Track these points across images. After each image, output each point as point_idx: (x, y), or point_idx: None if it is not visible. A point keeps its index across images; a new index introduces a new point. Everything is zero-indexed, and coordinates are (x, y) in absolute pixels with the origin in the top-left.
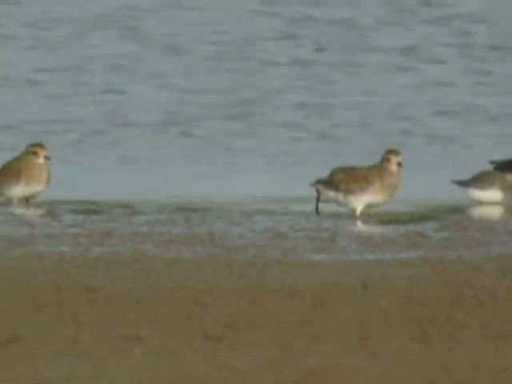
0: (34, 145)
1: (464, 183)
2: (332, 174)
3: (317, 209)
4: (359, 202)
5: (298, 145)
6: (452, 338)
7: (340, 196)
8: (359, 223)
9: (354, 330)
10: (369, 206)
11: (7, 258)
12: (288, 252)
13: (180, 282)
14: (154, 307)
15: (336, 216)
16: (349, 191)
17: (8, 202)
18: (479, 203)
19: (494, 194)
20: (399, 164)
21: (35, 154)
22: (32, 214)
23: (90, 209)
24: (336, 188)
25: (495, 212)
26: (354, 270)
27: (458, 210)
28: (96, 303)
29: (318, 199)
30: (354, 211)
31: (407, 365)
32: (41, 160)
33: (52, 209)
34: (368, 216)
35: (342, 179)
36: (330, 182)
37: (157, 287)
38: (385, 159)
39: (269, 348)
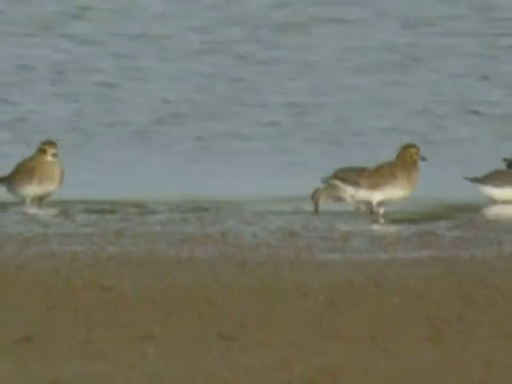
0: (44, 143)
1: (478, 180)
2: (342, 172)
3: (316, 209)
4: (381, 197)
5: (310, 145)
6: (465, 337)
7: (361, 191)
8: (373, 220)
9: (366, 329)
10: (392, 201)
11: (21, 257)
12: (301, 251)
13: (193, 281)
14: (167, 307)
15: (349, 215)
16: (373, 186)
17: (21, 202)
18: (492, 201)
19: (508, 192)
20: (423, 158)
21: (44, 152)
22: (45, 213)
23: (104, 208)
24: (356, 183)
25: (508, 210)
26: (367, 269)
27: (471, 209)
28: (109, 303)
29: (316, 208)
30: (370, 207)
31: (420, 364)
32: (48, 158)
33: (65, 208)
34: (380, 215)
35: (366, 174)
36: (345, 179)
37: (170, 286)
38: (402, 154)
39: (282, 347)
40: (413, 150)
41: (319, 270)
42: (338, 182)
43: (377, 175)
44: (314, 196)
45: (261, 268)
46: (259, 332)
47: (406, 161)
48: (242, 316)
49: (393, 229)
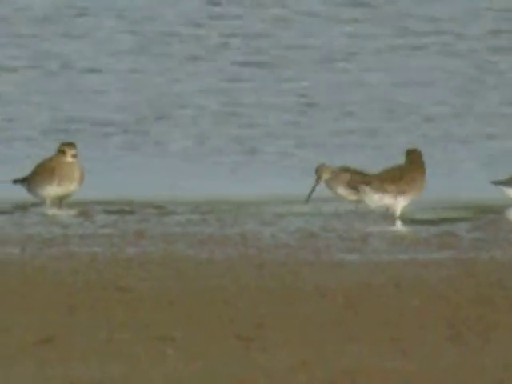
0: (64, 143)
1: (504, 183)
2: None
3: (310, 196)
4: (406, 202)
5: (329, 145)
6: (484, 338)
7: (389, 197)
8: (395, 223)
9: (386, 330)
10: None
11: (40, 258)
12: (320, 252)
13: (212, 282)
14: (186, 308)
15: (368, 216)
16: (400, 192)
17: (41, 203)
18: None
19: None
20: None
21: (64, 152)
22: (65, 214)
23: (123, 209)
24: (383, 190)
25: None
26: (386, 270)
27: (491, 211)
28: (129, 303)
29: (314, 188)
30: (394, 212)
31: (439, 365)
32: (68, 159)
33: (85, 209)
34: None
35: (390, 180)
36: (370, 184)
37: (189, 287)
38: (415, 158)
39: (301, 348)
40: (419, 153)
41: (338, 270)
42: (364, 188)
43: (402, 182)
44: (318, 170)
45: (280, 269)
46: (278, 333)
47: (420, 164)
48: (261, 317)
49: (412, 230)
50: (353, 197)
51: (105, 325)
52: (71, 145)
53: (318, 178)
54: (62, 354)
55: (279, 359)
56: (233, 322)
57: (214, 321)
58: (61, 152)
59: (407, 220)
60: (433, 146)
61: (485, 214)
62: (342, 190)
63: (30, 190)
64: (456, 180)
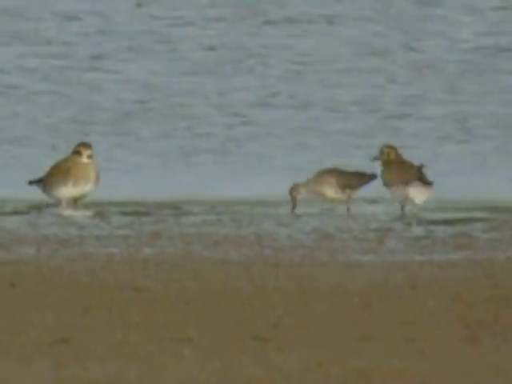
0: (79, 144)
1: None
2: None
3: (294, 206)
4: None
5: (341, 147)
6: (500, 339)
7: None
8: (408, 222)
9: (401, 330)
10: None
11: (56, 259)
12: (336, 253)
13: (228, 282)
14: (202, 308)
15: (383, 217)
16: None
17: (57, 203)
18: None
19: None
20: (375, 158)
21: (79, 153)
22: (81, 215)
23: (139, 210)
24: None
25: None
26: (402, 270)
27: (507, 211)
28: (145, 304)
29: (293, 209)
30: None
31: (455, 366)
32: (84, 159)
33: (101, 210)
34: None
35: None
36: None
37: (205, 288)
38: (397, 154)
39: (317, 349)
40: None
41: (354, 271)
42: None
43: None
44: (293, 191)
45: (296, 269)
46: (294, 333)
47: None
48: (277, 317)
49: (428, 230)
50: (342, 197)
51: (120, 325)
52: (87, 145)
53: (293, 199)
54: (77, 354)
55: (295, 359)
56: (249, 322)
57: (229, 321)
58: (76, 153)
59: (423, 221)
60: (450, 144)
61: (501, 214)
62: (331, 193)
63: (45, 190)
64: (472, 180)
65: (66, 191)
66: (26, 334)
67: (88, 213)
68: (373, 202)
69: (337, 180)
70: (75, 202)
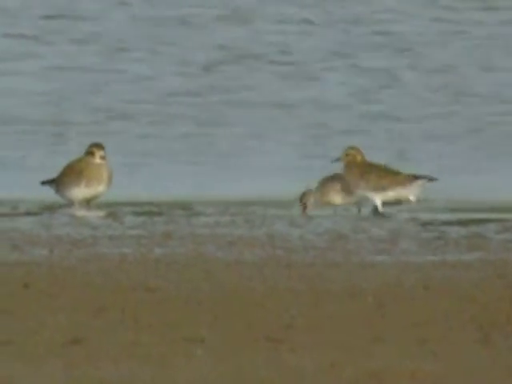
0: (92, 145)
1: None
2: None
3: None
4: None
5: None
6: None
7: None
8: (422, 223)
9: (415, 331)
10: None
11: (69, 259)
12: (349, 253)
13: (240, 283)
14: (214, 309)
15: (397, 217)
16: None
17: (70, 204)
18: None
19: None
20: (337, 159)
21: (92, 154)
22: (93, 215)
23: (151, 210)
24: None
25: None
26: (416, 271)
27: None
28: (157, 304)
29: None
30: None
31: (468, 367)
32: (97, 160)
33: (113, 210)
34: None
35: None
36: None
37: (218, 289)
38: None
39: (330, 350)
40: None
41: (367, 272)
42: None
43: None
44: (303, 198)
45: (309, 270)
46: (307, 334)
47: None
48: (290, 318)
49: (441, 231)
50: (351, 201)
51: (133, 326)
52: (100, 146)
53: (304, 207)
54: (90, 354)
55: (308, 360)
56: (261, 323)
57: (242, 322)
58: (89, 153)
59: (437, 222)
60: (463, 145)
61: None
62: (338, 199)
63: (58, 191)
64: (485, 181)
65: (79, 192)
66: (39, 335)
67: (101, 213)
68: (386, 203)
69: (341, 185)
70: (88, 202)
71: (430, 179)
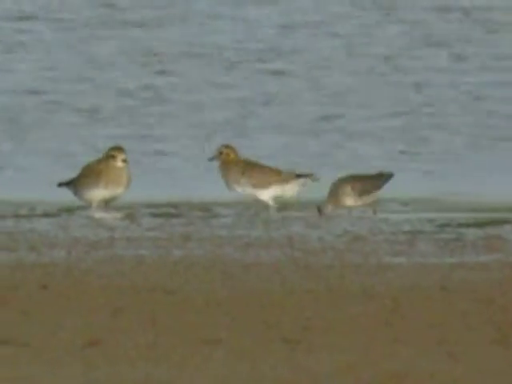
0: (113, 148)
1: None
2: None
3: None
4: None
5: (367, 149)
6: None
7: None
8: (442, 224)
9: (433, 333)
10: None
11: (87, 261)
12: (367, 255)
13: (258, 285)
14: (232, 310)
15: (414, 219)
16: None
17: (87, 205)
18: None
19: None
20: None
21: (113, 157)
22: (111, 217)
23: (169, 212)
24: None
25: None
26: (433, 273)
27: None
28: (175, 306)
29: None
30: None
31: (487, 368)
32: (119, 163)
33: (131, 212)
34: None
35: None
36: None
37: (236, 290)
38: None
39: (347, 351)
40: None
41: (385, 273)
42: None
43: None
44: (322, 209)
45: (326, 272)
46: (324, 336)
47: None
48: (307, 320)
49: (459, 233)
50: (363, 203)
51: (151, 328)
52: (121, 149)
53: (322, 216)
54: (108, 356)
55: (325, 362)
56: (279, 324)
57: (260, 323)
58: (110, 156)
59: (455, 223)
60: (478, 147)
61: None
62: (350, 201)
63: (76, 192)
64: (503, 182)
65: (97, 193)
66: (57, 337)
67: (118, 215)
68: (404, 203)
69: (352, 187)
70: (106, 204)
71: (312, 177)
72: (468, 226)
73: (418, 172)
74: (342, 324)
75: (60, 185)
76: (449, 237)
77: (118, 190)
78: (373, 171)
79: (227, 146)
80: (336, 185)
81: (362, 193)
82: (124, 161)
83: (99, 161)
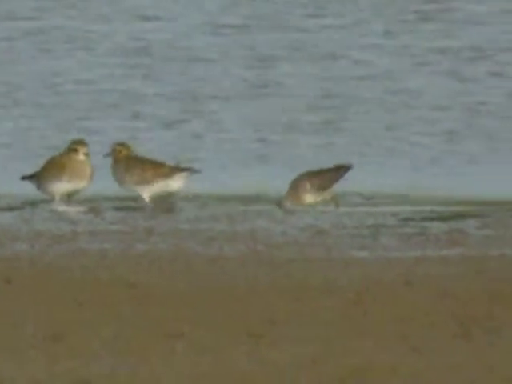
0: (74, 141)
1: None
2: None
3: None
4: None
5: (333, 145)
6: (493, 335)
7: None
8: (405, 218)
9: (395, 327)
10: None
11: (49, 254)
12: (330, 249)
13: (222, 279)
14: (196, 304)
15: (378, 213)
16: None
17: (50, 199)
18: None
19: None
20: (107, 154)
21: (75, 150)
22: (74, 210)
23: (132, 206)
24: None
25: None
26: (397, 267)
27: (500, 208)
28: (138, 300)
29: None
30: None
31: (449, 362)
32: (81, 157)
33: (94, 206)
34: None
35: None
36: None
37: (199, 284)
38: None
39: (311, 345)
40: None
41: (348, 267)
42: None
43: None
44: (280, 205)
45: (290, 266)
46: (288, 329)
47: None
48: (271, 313)
49: (422, 227)
50: (323, 198)
51: (114, 321)
52: (83, 143)
53: (284, 211)
54: (71, 349)
55: (289, 356)
56: (243, 318)
57: (223, 317)
58: (72, 150)
59: (417, 217)
60: (447, 142)
61: (494, 211)
62: (310, 199)
63: (39, 186)
64: (466, 177)
65: (61, 187)
66: (20, 330)
67: (81, 208)
68: (368, 197)
69: (311, 184)
70: (69, 197)
71: (195, 171)
72: (431, 220)
73: (381, 166)
74: (306, 318)
75: (23, 178)
76: (412, 231)
77: (81, 184)
78: (330, 164)
79: (120, 144)
80: (295, 182)
81: (321, 188)
82: (86, 154)
83: (62, 154)
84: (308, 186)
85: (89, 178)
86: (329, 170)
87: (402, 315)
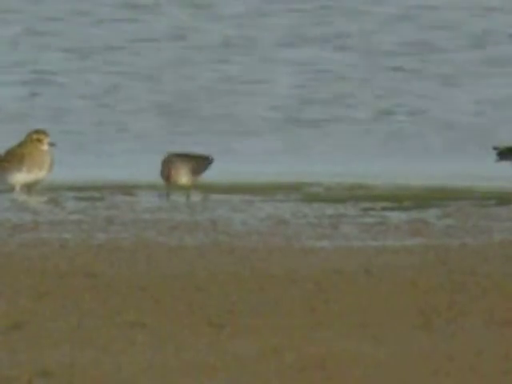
0: (37, 131)
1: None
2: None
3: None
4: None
5: (297, 134)
6: (455, 325)
7: None
8: (364, 207)
9: (356, 316)
10: None
11: (10, 244)
12: (290, 239)
13: (182, 268)
14: (156, 294)
15: (338, 202)
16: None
17: (10, 189)
18: None
19: None
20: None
21: (39, 140)
22: (34, 200)
23: (93, 195)
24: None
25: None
26: (357, 256)
27: (462, 197)
28: (99, 290)
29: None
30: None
31: (410, 352)
32: (45, 147)
33: (54, 195)
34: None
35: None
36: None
37: (159, 274)
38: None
39: (271, 335)
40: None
41: (309, 257)
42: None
43: None
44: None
45: (250, 255)
46: (249, 319)
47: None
48: (232, 303)
49: (383, 216)
50: (193, 183)
51: (75, 311)
52: (45, 133)
53: (171, 182)
54: (31, 340)
55: (250, 345)
56: (203, 308)
57: (184, 307)
58: (35, 140)
59: (377, 207)
60: (399, 132)
61: (455, 200)
62: (185, 180)
63: None
64: (427, 165)
65: (20, 177)
66: None
67: (42, 198)
68: (328, 188)
69: (189, 166)
70: (29, 187)
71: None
72: (392, 209)
73: (340, 156)
74: (267, 308)
75: None
76: (373, 220)
77: (41, 174)
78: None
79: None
80: (169, 160)
81: (195, 173)
82: (50, 144)
83: (21, 144)
84: (186, 167)
85: (49, 168)
86: (200, 157)
87: (363, 305)
